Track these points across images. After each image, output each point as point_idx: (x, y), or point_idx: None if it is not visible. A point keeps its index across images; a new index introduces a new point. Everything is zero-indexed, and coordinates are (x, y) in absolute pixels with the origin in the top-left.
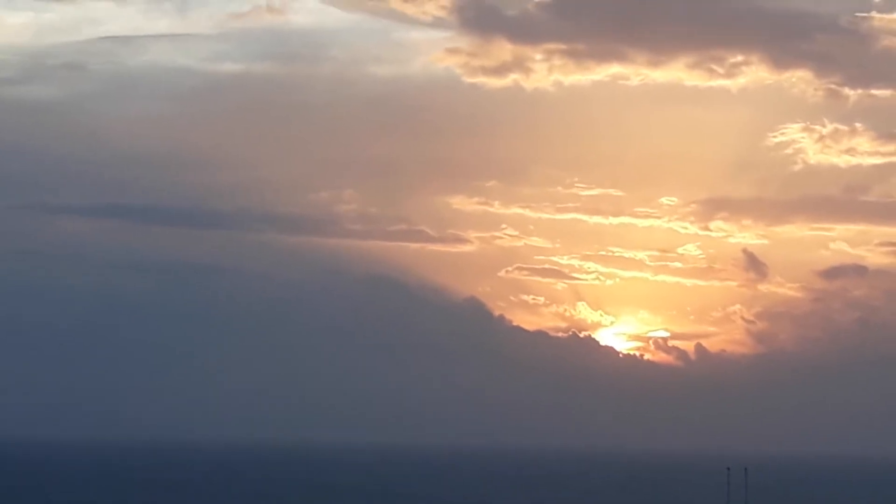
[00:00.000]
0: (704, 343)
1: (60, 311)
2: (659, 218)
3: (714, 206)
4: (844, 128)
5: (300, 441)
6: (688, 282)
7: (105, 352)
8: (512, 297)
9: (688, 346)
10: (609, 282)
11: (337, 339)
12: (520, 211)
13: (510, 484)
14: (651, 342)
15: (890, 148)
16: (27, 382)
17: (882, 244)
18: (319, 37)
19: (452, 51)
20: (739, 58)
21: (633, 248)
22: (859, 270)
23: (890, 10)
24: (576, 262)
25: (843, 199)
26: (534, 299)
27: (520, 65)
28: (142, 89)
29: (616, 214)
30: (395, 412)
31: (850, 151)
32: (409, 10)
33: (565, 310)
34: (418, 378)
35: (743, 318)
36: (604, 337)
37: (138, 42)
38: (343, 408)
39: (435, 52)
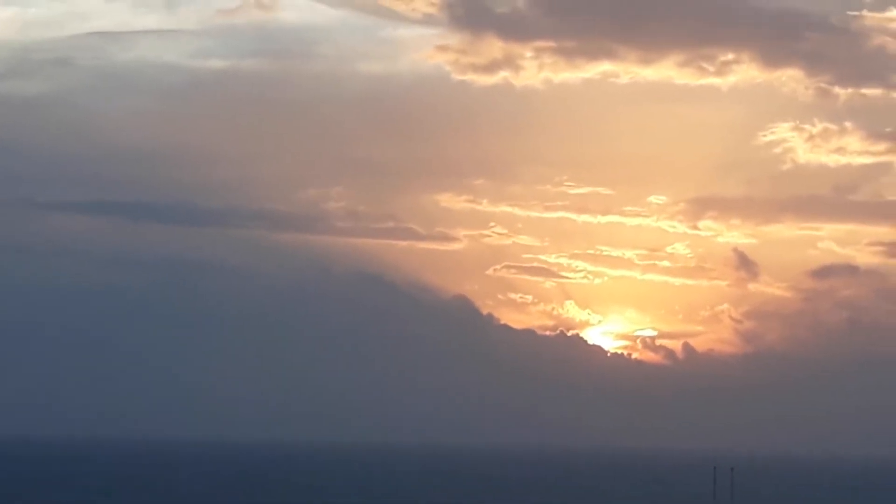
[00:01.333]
0: (692, 342)
1: (47, 308)
2: (647, 217)
3: (703, 206)
4: (834, 127)
5: (287, 440)
6: (676, 281)
7: (93, 349)
8: (500, 296)
9: (675, 345)
10: (597, 280)
11: (325, 336)
12: (508, 209)
13: (497, 484)
14: (639, 341)
15: (880, 147)
16: (16, 380)
17: (871, 244)
18: (308, 34)
19: (442, 48)
20: (730, 56)
21: (622, 247)
22: (848, 270)
23: (881, 9)
24: (564, 261)
25: (833, 198)
26: (521, 298)
27: (510, 62)
28: (129, 85)
29: (604, 213)
30: (382, 410)
31: (839, 151)
32: (399, 7)
33: (553, 308)
34: (405, 376)
35: (731, 317)
36: (591, 336)
37: (125, 38)
38: (330, 406)
39: (425, 50)
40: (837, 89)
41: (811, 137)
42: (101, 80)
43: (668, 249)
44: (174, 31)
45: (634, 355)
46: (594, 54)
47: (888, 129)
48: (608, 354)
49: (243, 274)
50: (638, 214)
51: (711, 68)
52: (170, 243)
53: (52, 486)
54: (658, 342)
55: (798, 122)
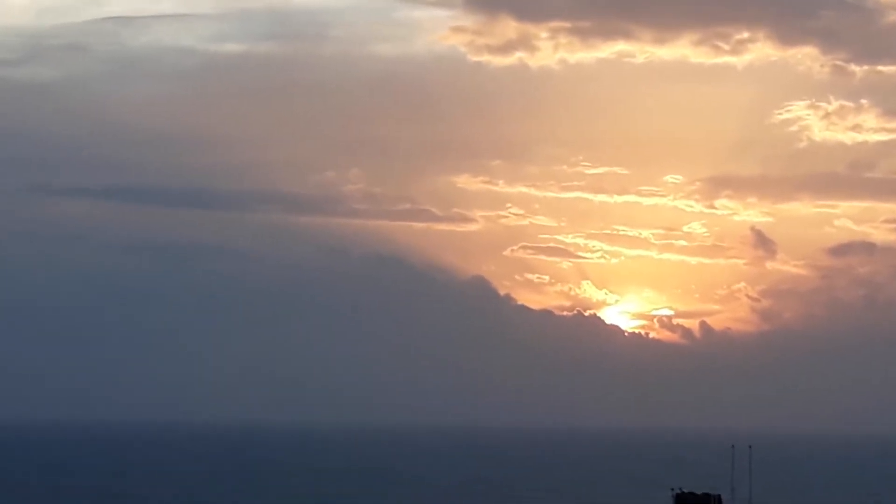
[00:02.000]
0: (709, 321)
1: (62, 293)
2: (664, 196)
3: (719, 184)
4: (850, 104)
5: (307, 422)
6: (692, 260)
7: (108, 334)
8: (517, 276)
9: (692, 324)
10: (614, 260)
11: (343, 318)
12: (525, 190)
13: (516, 463)
14: (656, 320)
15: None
16: (28, 364)
17: (887, 221)
18: (323, 16)
19: (457, 29)
20: (745, 34)
21: (638, 227)
22: (864, 248)
23: None
24: (581, 241)
25: (849, 176)
26: (539, 278)
27: (525, 43)
28: (144, 70)
29: (621, 193)
30: (400, 391)
31: (855, 128)
32: None
33: (570, 288)
34: (424, 357)
35: (748, 295)
36: (609, 316)
37: (140, 22)
38: (349, 388)
39: (440, 31)
40: (853, 67)
41: (827, 115)
42: (116, 66)
43: (685, 228)
44: (189, 16)
45: (652, 335)
46: (609, 34)
47: None
48: (625, 334)
49: (260, 257)
50: (654, 194)
51: (726, 47)
52: (186, 227)
53: (61, 468)
54: (675, 321)
55: (814, 99)
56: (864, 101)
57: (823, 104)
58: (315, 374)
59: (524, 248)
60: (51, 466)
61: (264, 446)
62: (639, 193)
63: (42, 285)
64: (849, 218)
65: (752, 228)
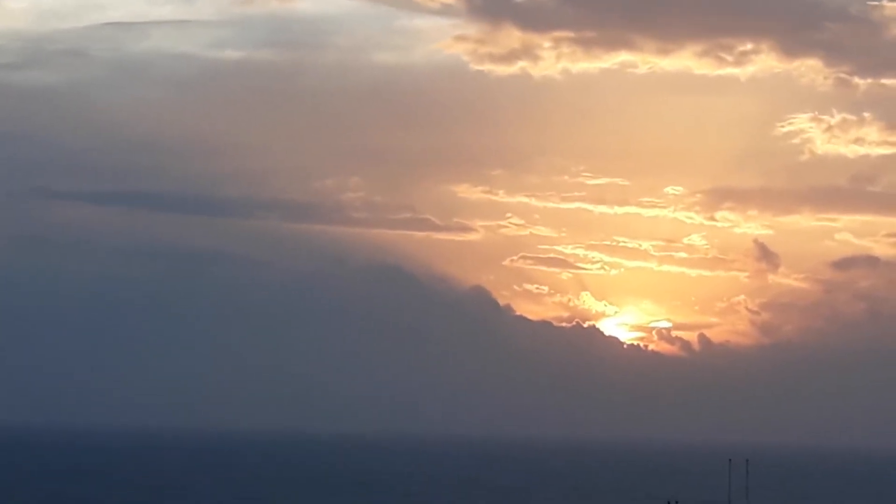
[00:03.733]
0: (708, 334)
1: (62, 297)
2: (664, 208)
3: (720, 196)
4: (853, 117)
5: (304, 430)
6: (692, 272)
7: (108, 338)
8: (516, 287)
9: (691, 336)
10: (613, 271)
11: (342, 326)
12: (525, 200)
13: (513, 474)
14: (654, 332)
15: None
16: (30, 369)
17: (889, 235)
18: (324, 24)
19: (460, 38)
20: (749, 46)
21: (638, 238)
22: (865, 261)
23: None
24: (580, 252)
25: (851, 189)
26: (538, 289)
27: (528, 52)
28: (144, 75)
29: (621, 204)
30: (399, 401)
31: (858, 141)
32: None
33: (569, 299)
34: (423, 367)
35: (747, 308)
36: (607, 327)
37: (140, 28)
38: (348, 396)
39: (442, 40)
40: (856, 79)
41: (829, 128)
42: (116, 71)
43: (685, 240)
44: (189, 22)
45: (650, 346)
46: (612, 44)
47: None
48: (624, 346)
49: (259, 264)
50: (655, 205)
51: (730, 58)
52: (185, 233)
53: (65, 474)
54: (674, 333)
55: (816, 112)
56: (866, 115)
57: (826, 117)
58: (314, 381)
59: (524, 258)
60: (51, 472)
61: (260, 453)
62: (639, 205)
63: (41, 289)
64: (850, 231)
65: (753, 241)
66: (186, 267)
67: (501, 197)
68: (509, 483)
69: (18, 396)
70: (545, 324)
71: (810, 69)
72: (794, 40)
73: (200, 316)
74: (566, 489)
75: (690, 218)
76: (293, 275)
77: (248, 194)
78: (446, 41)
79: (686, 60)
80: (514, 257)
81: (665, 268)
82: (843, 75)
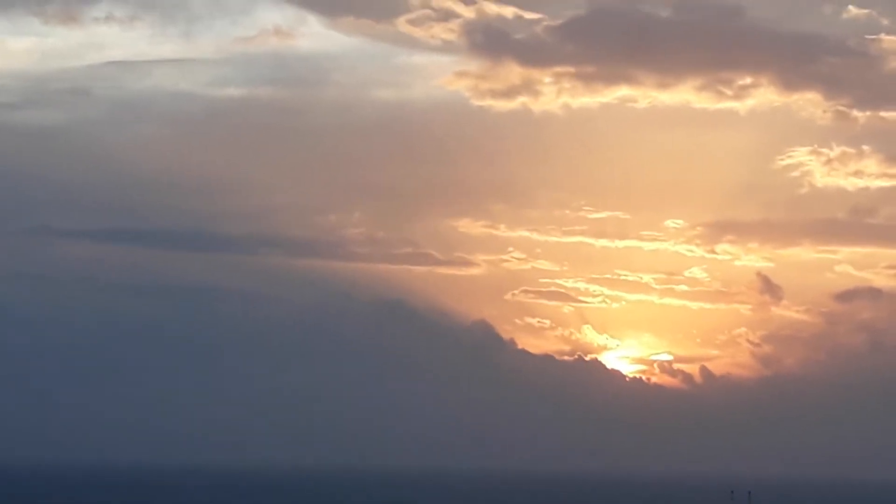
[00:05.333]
0: (709, 366)
1: (64, 336)
2: (665, 241)
3: (721, 229)
4: (852, 150)
5: (307, 464)
6: (693, 305)
7: (110, 376)
8: (517, 321)
9: (692, 369)
10: (615, 305)
11: (345, 362)
12: (526, 234)
13: None
14: (656, 365)
15: None
16: (32, 407)
17: (889, 266)
18: (325, 61)
19: (461, 74)
20: (748, 80)
21: (639, 271)
22: (866, 293)
23: None
24: (582, 285)
25: (851, 222)
26: (539, 322)
27: (528, 88)
28: (146, 114)
29: (622, 237)
30: (402, 436)
31: (857, 174)
32: (418, 33)
33: (571, 333)
34: (427, 401)
35: (749, 340)
36: (609, 360)
37: (143, 67)
38: (351, 432)
39: (444, 76)
40: (856, 112)
41: (829, 161)
42: (118, 110)
43: (686, 273)
44: (191, 60)
45: (652, 379)
46: (612, 79)
47: None
48: (626, 379)
49: (261, 300)
50: (655, 238)
51: (729, 92)
52: (187, 270)
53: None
54: (675, 366)
55: (816, 145)
56: (865, 147)
57: (825, 150)
58: (315, 417)
59: (525, 291)
60: None
61: (264, 487)
62: (640, 238)
63: (43, 327)
64: (850, 263)
65: (755, 274)
66: (190, 304)
67: (503, 231)
68: None
69: (21, 435)
70: (547, 357)
71: (809, 102)
72: (793, 74)
73: (205, 352)
74: None
75: (691, 251)
76: (295, 310)
77: (250, 231)
78: (447, 77)
79: (686, 94)
80: (516, 291)
81: (666, 301)
82: (842, 108)
